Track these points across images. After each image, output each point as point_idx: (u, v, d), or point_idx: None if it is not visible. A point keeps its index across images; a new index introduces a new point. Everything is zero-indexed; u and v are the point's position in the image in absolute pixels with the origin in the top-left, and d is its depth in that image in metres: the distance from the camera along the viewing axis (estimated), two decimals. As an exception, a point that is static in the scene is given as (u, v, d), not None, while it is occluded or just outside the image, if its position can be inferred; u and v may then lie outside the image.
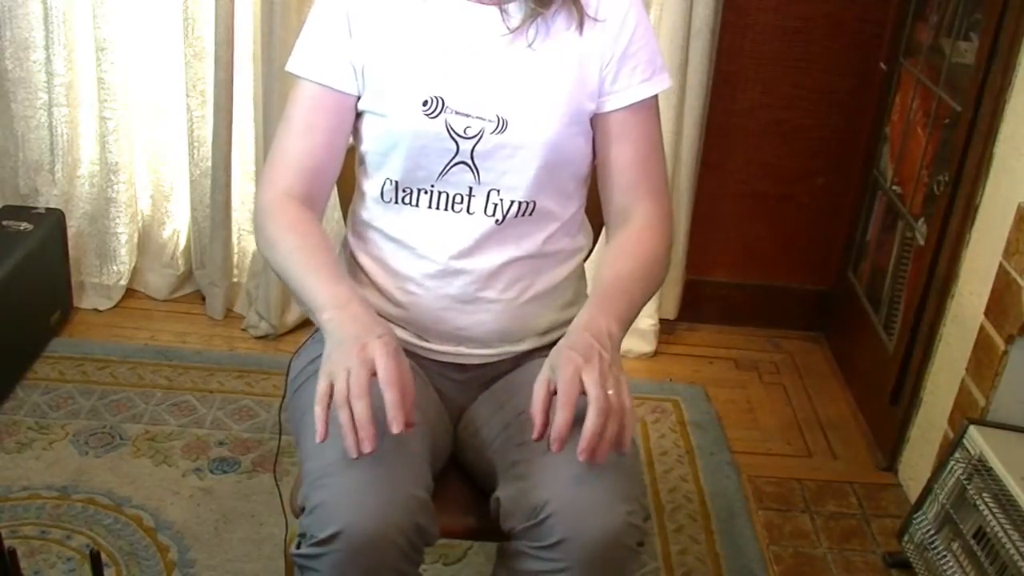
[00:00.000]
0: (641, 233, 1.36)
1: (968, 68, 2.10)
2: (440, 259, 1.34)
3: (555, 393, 1.15)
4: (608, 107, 1.35)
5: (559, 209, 1.38)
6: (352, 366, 1.12)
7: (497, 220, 1.33)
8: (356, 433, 1.11)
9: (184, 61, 2.44)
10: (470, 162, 1.31)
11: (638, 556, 1.19)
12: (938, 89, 2.24)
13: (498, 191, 1.32)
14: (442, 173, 1.32)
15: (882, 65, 2.53)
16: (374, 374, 1.13)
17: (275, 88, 2.34)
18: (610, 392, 1.14)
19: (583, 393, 1.13)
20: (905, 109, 2.42)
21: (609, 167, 1.37)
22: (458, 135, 1.30)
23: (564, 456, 1.15)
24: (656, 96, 1.37)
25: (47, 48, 2.44)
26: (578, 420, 1.13)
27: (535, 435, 1.17)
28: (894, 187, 2.46)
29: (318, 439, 1.13)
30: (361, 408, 1.11)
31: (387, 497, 1.14)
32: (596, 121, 1.36)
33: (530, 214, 1.34)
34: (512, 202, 1.33)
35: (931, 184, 2.22)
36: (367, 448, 1.11)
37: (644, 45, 1.34)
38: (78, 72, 2.49)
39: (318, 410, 1.13)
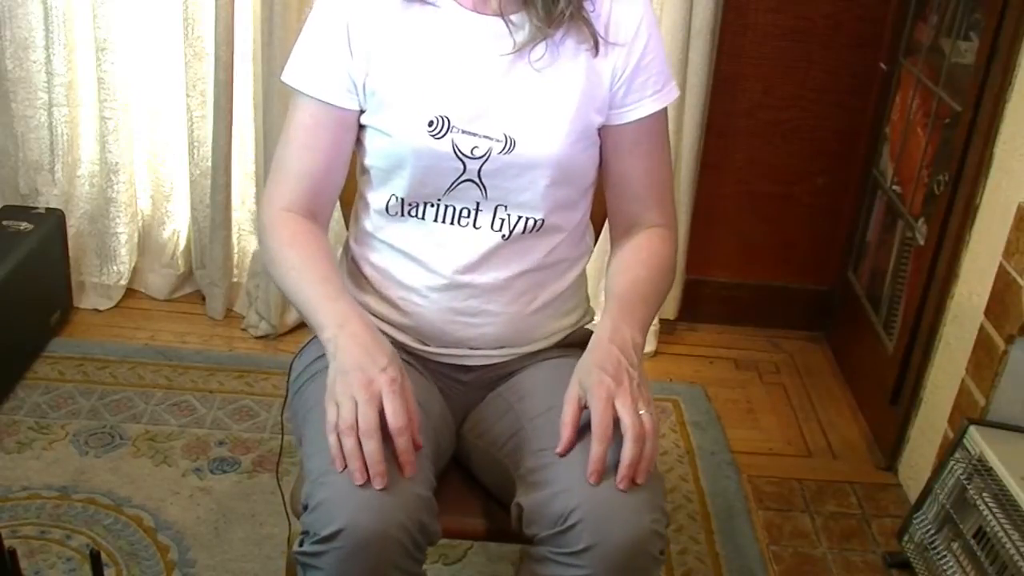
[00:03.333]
0: (652, 240, 1.36)
1: (968, 68, 2.10)
2: (446, 273, 1.33)
3: (585, 407, 1.19)
4: (620, 120, 1.33)
5: (565, 221, 1.37)
6: (359, 399, 1.14)
7: (504, 235, 1.32)
8: (362, 462, 1.13)
9: (184, 61, 2.44)
10: (477, 180, 1.30)
11: (661, 564, 1.19)
12: (938, 89, 2.24)
13: (505, 207, 1.31)
14: (449, 189, 1.31)
15: (882, 65, 2.53)
16: (380, 408, 1.15)
17: (275, 88, 2.34)
18: (642, 413, 1.16)
19: (615, 417, 1.16)
20: (905, 109, 2.42)
21: (620, 179, 1.37)
22: (465, 155, 1.28)
23: (589, 463, 1.17)
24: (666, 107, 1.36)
25: (47, 48, 2.44)
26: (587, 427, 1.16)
27: (560, 449, 1.20)
28: (894, 187, 2.46)
29: (338, 468, 1.14)
30: (373, 448, 1.13)
31: (390, 495, 1.14)
32: (606, 133, 1.34)
33: (538, 230, 1.34)
34: (520, 218, 1.32)
35: (931, 184, 2.23)
36: (379, 486, 1.13)
37: (655, 57, 1.33)
38: (78, 72, 2.49)
39: (332, 439, 1.15)
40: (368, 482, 1.13)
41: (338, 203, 1.59)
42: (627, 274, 1.33)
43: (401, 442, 1.15)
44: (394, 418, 1.14)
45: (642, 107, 1.33)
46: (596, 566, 1.15)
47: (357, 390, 1.15)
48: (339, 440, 1.14)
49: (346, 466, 1.14)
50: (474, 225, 1.32)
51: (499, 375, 1.42)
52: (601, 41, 1.29)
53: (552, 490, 1.19)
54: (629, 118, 1.33)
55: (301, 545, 1.16)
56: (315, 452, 1.22)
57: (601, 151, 1.37)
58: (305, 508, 1.18)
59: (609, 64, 1.30)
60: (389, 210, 1.34)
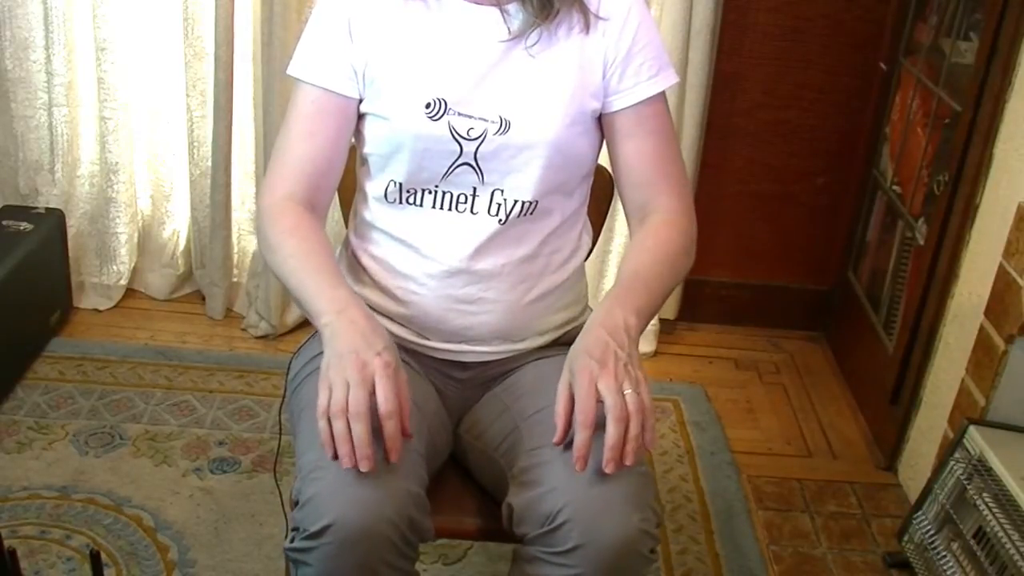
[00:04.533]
0: (660, 228, 1.36)
1: (968, 68, 2.10)
2: (444, 259, 1.34)
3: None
4: (618, 106, 1.34)
5: (561, 207, 1.38)
6: (352, 381, 1.13)
7: (500, 220, 1.33)
8: (351, 445, 1.11)
9: (184, 61, 2.44)
10: (474, 163, 1.31)
11: (651, 562, 1.19)
12: (938, 89, 2.24)
13: (502, 191, 1.33)
14: (446, 174, 1.32)
15: (882, 65, 2.53)
16: (372, 392, 1.13)
17: (275, 88, 2.34)
18: (627, 392, 1.14)
19: (600, 401, 1.14)
20: (905, 109, 2.42)
21: (625, 165, 1.37)
22: (461, 137, 1.30)
23: (573, 451, 1.15)
24: (664, 91, 1.37)
25: (47, 48, 2.44)
26: (599, 425, 1.14)
27: (556, 439, 1.18)
28: (894, 187, 2.46)
29: (328, 455, 1.13)
30: (361, 430, 1.11)
31: (379, 490, 1.14)
32: (607, 120, 1.36)
33: (531, 213, 1.34)
34: (516, 202, 1.33)
35: (931, 184, 2.23)
36: (365, 468, 1.12)
37: (648, 42, 1.34)
38: (78, 72, 2.49)
39: (323, 424, 1.13)
40: (356, 468, 1.11)
41: (338, 203, 1.60)
42: (631, 263, 1.33)
43: (389, 426, 1.13)
44: (384, 402, 1.13)
45: (638, 91, 1.34)
46: (585, 566, 1.15)
47: (351, 373, 1.13)
48: (330, 427, 1.13)
49: (336, 455, 1.12)
50: (471, 211, 1.33)
51: (496, 374, 1.42)
52: (592, 18, 1.32)
53: (541, 489, 1.19)
54: (626, 103, 1.34)
55: (292, 541, 1.16)
56: (307, 448, 1.22)
57: (607, 142, 1.38)
58: (296, 504, 1.18)
59: (601, 50, 1.33)
60: (388, 197, 1.36)
